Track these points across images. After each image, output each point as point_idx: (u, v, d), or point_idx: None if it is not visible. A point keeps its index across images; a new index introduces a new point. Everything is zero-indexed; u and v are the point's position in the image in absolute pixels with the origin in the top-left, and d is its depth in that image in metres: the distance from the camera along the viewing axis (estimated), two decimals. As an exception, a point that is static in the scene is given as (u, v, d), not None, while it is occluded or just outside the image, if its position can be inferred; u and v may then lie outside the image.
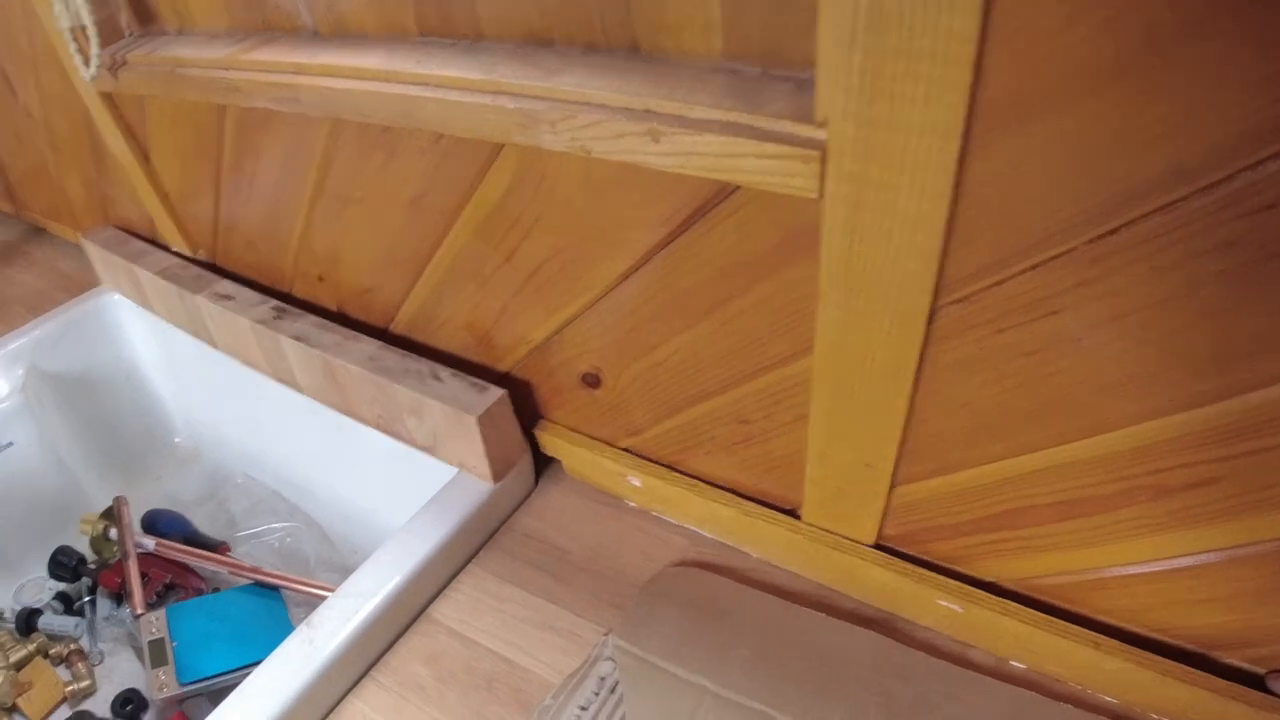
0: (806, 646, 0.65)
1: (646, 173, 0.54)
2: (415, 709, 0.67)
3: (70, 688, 0.94)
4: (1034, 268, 0.45)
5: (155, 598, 0.99)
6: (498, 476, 0.79)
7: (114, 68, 0.89)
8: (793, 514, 0.70)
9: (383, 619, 0.70)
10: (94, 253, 1.19)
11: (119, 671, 0.98)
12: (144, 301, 1.15)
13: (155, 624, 0.93)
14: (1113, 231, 0.42)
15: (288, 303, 0.97)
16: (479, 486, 0.79)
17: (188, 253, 1.13)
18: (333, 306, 0.98)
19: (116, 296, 1.21)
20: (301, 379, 0.94)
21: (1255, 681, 0.55)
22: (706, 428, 0.70)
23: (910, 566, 0.65)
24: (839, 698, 0.61)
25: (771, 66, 0.51)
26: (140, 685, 0.93)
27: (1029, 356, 0.49)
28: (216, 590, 1.03)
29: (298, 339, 0.89)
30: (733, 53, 0.52)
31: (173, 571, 1.02)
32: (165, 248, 1.15)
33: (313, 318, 0.93)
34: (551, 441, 0.83)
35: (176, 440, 1.30)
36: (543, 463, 0.86)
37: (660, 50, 0.54)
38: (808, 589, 0.71)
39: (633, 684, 0.65)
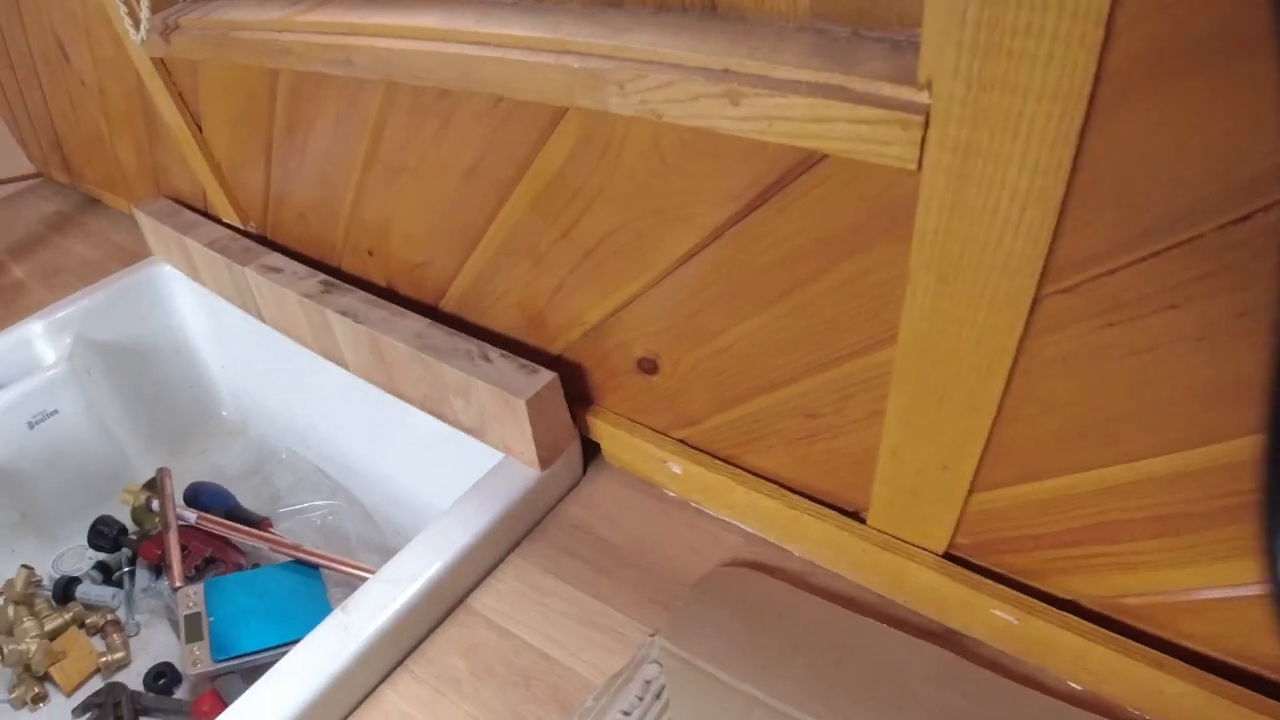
0: (864, 659, 0.62)
1: (721, 140, 0.51)
2: (450, 704, 0.65)
3: (104, 658, 0.94)
4: (1154, 255, 0.41)
5: (194, 571, 0.99)
6: (545, 463, 0.76)
7: (166, 32, 0.88)
8: (856, 516, 0.66)
9: (420, 607, 0.68)
10: (145, 223, 1.19)
11: (154, 644, 0.98)
12: (194, 273, 1.14)
13: (193, 598, 0.93)
14: (1246, 218, 0.38)
15: (337, 278, 0.95)
16: (525, 473, 0.77)
17: (239, 224, 1.12)
18: (382, 282, 0.96)
19: (167, 268, 1.21)
20: (348, 355, 0.92)
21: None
22: (769, 421, 0.66)
23: (969, 574, 0.61)
24: (897, 717, 0.58)
25: (863, 26, 0.47)
26: (175, 659, 0.93)
27: (1138, 355, 0.45)
28: (256, 566, 1.03)
29: (344, 314, 0.87)
30: (821, 11, 0.48)
31: (213, 545, 1.02)
32: (217, 219, 1.14)
33: (361, 293, 0.91)
34: (602, 428, 0.80)
35: (223, 413, 1.30)
36: (591, 450, 0.83)
37: (739, 8, 0.51)
38: (861, 594, 0.68)
39: (679, 689, 0.62)
